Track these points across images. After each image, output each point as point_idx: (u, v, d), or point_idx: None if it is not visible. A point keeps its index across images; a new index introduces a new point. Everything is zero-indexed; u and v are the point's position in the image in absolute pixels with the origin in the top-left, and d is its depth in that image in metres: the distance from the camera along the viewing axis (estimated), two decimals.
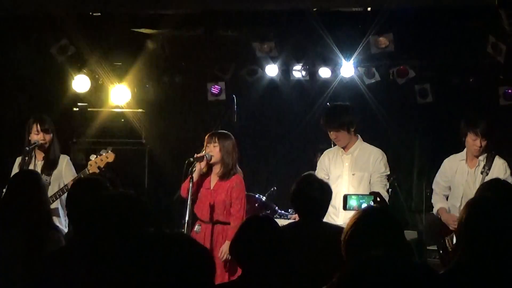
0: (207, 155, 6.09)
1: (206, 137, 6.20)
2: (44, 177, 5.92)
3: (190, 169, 6.07)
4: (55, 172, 6.23)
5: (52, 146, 6.31)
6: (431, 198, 6.58)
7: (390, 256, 1.99)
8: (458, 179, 6.27)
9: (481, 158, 6.14)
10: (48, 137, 6.29)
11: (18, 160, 6.33)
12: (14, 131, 7.13)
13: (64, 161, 6.32)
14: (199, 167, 6.08)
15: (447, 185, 6.35)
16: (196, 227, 6.16)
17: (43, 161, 6.30)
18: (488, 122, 6.06)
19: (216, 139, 6.14)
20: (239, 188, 6.14)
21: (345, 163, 6.30)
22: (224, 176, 6.14)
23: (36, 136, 6.24)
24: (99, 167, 6.11)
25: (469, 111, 6.44)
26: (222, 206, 6.09)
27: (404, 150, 8.54)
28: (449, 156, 6.46)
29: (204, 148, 6.18)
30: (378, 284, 1.89)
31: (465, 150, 6.24)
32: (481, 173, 6.08)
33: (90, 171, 6.09)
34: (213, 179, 6.21)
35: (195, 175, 6.04)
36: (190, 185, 5.97)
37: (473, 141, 6.06)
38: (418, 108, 8.43)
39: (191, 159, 6.07)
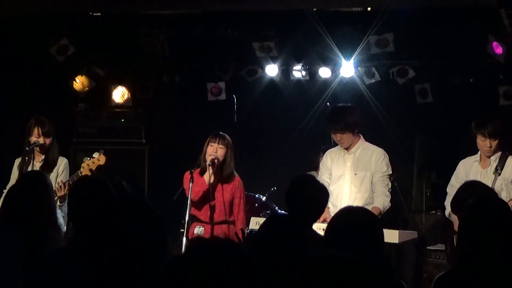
0: (216, 157, 6.04)
1: (210, 137, 6.11)
2: None
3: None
4: (52, 174, 6.22)
5: (52, 149, 6.31)
6: (431, 198, 6.55)
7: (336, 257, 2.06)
8: None
9: (493, 158, 6.06)
10: (48, 140, 6.29)
11: (18, 161, 6.31)
12: (14, 131, 7.12)
13: (62, 163, 6.31)
14: (211, 170, 6.02)
15: None
16: (198, 229, 6.12)
17: (41, 163, 6.30)
18: (498, 122, 6.00)
19: (224, 141, 6.09)
20: (242, 188, 6.25)
21: (347, 163, 6.28)
22: (228, 178, 6.15)
23: (37, 139, 6.24)
24: (91, 170, 6.10)
25: (480, 111, 6.32)
26: (228, 206, 6.13)
27: (404, 150, 8.53)
28: (448, 156, 6.44)
29: (205, 148, 6.13)
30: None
31: (479, 151, 6.18)
32: (493, 173, 6.04)
33: (83, 174, 6.07)
34: (215, 180, 6.13)
35: (207, 178, 6.05)
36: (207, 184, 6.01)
37: (482, 142, 6.01)
38: (418, 108, 8.42)
39: (209, 163, 6.00)
